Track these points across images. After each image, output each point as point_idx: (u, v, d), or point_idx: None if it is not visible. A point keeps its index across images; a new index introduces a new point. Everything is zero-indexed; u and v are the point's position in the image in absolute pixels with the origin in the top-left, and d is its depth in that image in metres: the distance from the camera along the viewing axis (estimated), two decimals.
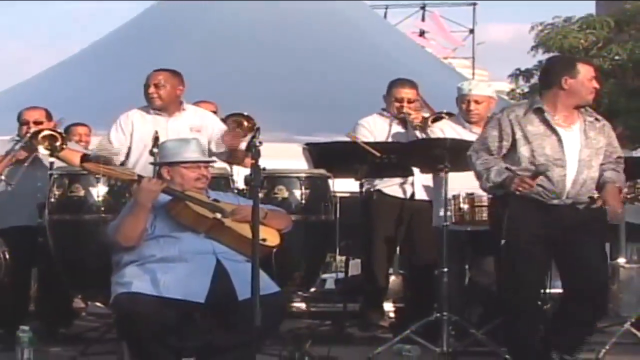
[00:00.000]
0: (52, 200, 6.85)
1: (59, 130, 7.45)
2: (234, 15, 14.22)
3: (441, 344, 6.47)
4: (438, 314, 6.54)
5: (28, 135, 7.32)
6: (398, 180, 7.63)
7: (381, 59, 13.42)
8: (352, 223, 7.64)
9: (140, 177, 5.71)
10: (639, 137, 14.94)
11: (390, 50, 14.31)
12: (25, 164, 7.27)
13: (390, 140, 7.62)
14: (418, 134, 7.52)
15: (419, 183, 7.57)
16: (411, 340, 6.54)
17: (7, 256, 6.84)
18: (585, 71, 5.87)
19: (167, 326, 5.37)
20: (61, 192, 6.82)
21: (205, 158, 6.04)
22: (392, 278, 8.46)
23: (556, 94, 5.86)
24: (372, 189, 7.67)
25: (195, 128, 6.95)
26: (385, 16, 23.82)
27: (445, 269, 6.57)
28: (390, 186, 7.66)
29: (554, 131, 5.79)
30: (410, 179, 7.59)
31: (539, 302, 6.24)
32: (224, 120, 7.72)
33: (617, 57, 19.56)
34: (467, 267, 7.26)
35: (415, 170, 7.40)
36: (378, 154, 7.17)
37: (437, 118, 7.71)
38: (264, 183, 6.90)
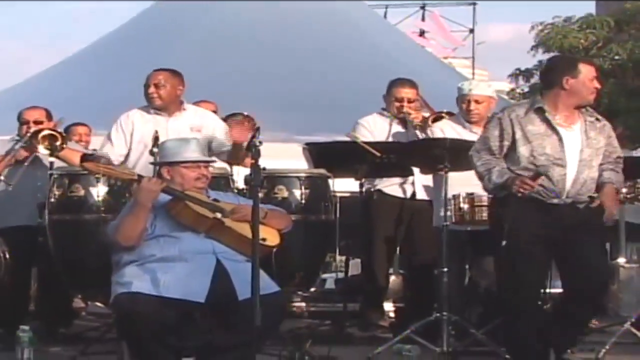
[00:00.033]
0: (52, 200, 6.84)
1: (59, 130, 7.45)
2: (234, 15, 14.21)
3: (441, 343, 6.47)
4: (438, 314, 6.54)
5: (28, 134, 7.32)
6: (398, 180, 7.64)
7: (381, 59, 13.41)
8: (352, 223, 7.64)
9: (140, 176, 5.71)
10: (639, 136, 14.94)
11: (390, 50, 14.31)
12: (25, 164, 7.27)
13: (390, 140, 7.62)
14: (418, 133, 7.53)
15: (420, 183, 7.57)
16: (411, 340, 6.53)
17: (7, 256, 6.84)
18: (586, 71, 5.87)
19: (167, 326, 5.37)
20: (61, 192, 6.82)
21: (205, 158, 6.04)
22: (392, 278, 8.46)
23: (557, 94, 5.86)
24: (372, 189, 7.67)
25: (196, 128, 6.95)
26: (385, 16, 23.81)
27: (445, 269, 6.58)
28: (391, 186, 7.67)
29: (554, 131, 5.79)
30: (410, 178, 7.59)
31: (539, 302, 6.24)
32: (223, 120, 7.72)
33: (617, 57, 19.57)
34: (467, 267, 7.27)
35: (416, 170, 7.40)
36: (378, 154, 7.17)
37: (438, 118, 7.71)
38: (263, 183, 6.90)
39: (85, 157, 6.89)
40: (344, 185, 7.70)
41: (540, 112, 5.83)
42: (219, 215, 5.67)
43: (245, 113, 8.43)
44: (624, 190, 7.35)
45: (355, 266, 8.65)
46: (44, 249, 6.94)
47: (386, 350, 6.53)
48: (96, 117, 9.17)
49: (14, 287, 7.09)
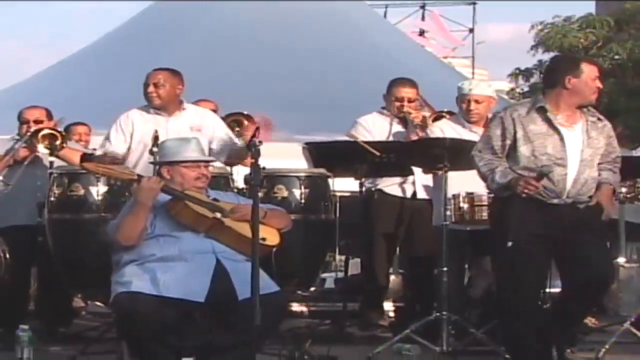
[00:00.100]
0: (52, 199, 6.84)
1: (59, 130, 7.45)
2: (234, 15, 14.23)
3: (441, 343, 6.47)
4: (438, 313, 6.54)
5: (28, 134, 7.32)
6: (399, 179, 7.63)
7: (381, 59, 13.43)
8: (351, 222, 7.64)
9: (139, 176, 5.71)
10: (639, 136, 14.94)
11: (390, 49, 14.32)
12: (25, 163, 7.27)
13: (391, 139, 7.62)
14: (418, 132, 7.52)
15: (420, 182, 7.57)
16: (411, 339, 6.53)
17: (7, 255, 6.83)
18: (589, 71, 5.85)
19: (166, 325, 5.37)
20: (61, 191, 6.82)
21: (205, 157, 6.04)
22: (392, 277, 8.45)
23: (559, 93, 5.85)
24: (373, 188, 7.67)
25: (196, 127, 6.94)
26: (385, 15, 23.81)
27: (445, 269, 6.57)
28: (392, 185, 7.66)
29: (556, 130, 5.78)
30: (410, 178, 7.59)
31: (539, 302, 6.24)
32: (223, 119, 7.71)
33: (616, 57, 19.59)
34: (466, 266, 7.27)
35: (417, 169, 7.40)
36: (377, 153, 7.17)
37: (438, 117, 7.71)
38: (263, 182, 6.90)
39: (85, 157, 6.90)
40: (344, 185, 7.70)
41: (542, 111, 5.82)
42: (218, 214, 5.67)
43: (245, 112, 8.44)
44: (624, 189, 7.36)
45: (355, 266, 8.65)
46: (44, 248, 6.94)
47: (386, 350, 6.53)
48: (96, 117, 9.17)
49: (14, 287, 7.08)
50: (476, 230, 6.71)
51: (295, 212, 6.83)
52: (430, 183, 7.31)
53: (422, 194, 7.58)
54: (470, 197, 6.64)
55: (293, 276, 7.01)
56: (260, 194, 5.54)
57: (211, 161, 6.17)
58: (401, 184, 7.65)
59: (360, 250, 8.05)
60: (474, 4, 25.35)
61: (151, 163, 6.22)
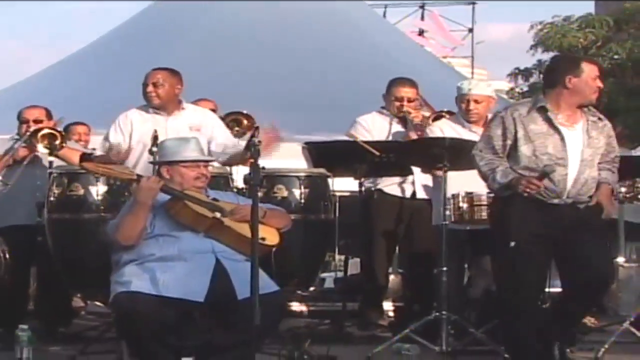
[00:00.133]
0: (52, 199, 6.85)
1: (58, 129, 7.45)
2: (234, 15, 14.21)
3: (440, 343, 6.48)
4: (437, 313, 6.55)
5: (28, 133, 7.32)
6: (398, 179, 7.63)
7: (381, 59, 13.42)
8: (351, 222, 7.65)
9: (139, 176, 5.71)
10: (638, 136, 14.94)
11: (389, 49, 14.30)
12: (24, 163, 7.28)
13: (390, 139, 7.62)
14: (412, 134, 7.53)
15: (420, 182, 7.57)
16: (410, 339, 6.53)
17: (7, 255, 6.83)
18: (589, 70, 5.85)
19: (166, 325, 5.37)
20: (60, 191, 6.82)
21: (205, 157, 6.04)
22: (392, 277, 8.46)
23: (560, 93, 5.84)
24: (372, 188, 7.68)
25: (195, 127, 6.94)
26: (384, 15, 23.78)
27: (445, 268, 6.58)
28: (391, 185, 7.66)
29: (556, 130, 5.78)
30: (410, 177, 7.59)
31: (539, 302, 6.24)
32: (222, 118, 7.72)
33: (616, 56, 19.58)
34: (466, 266, 7.27)
35: (417, 169, 7.40)
36: (377, 153, 7.18)
37: (438, 117, 7.71)
38: (263, 182, 6.90)
39: (84, 157, 6.90)
40: (344, 185, 7.70)
41: (542, 111, 5.82)
42: (218, 214, 5.67)
43: (245, 111, 8.44)
44: (623, 189, 7.35)
45: (354, 265, 8.66)
46: (43, 248, 6.95)
47: (385, 350, 6.53)
48: (96, 117, 9.16)
49: (14, 287, 7.08)
50: (476, 230, 6.71)
51: (295, 212, 6.83)
52: (430, 183, 7.31)
53: (421, 194, 7.58)
54: (469, 196, 6.65)
55: (292, 276, 7.02)
56: (259, 194, 5.55)
57: (211, 161, 6.18)
58: (401, 184, 7.65)
59: (359, 250, 8.05)
60: (474, 3, 25.35)
61: (150, 163, 6.22)
